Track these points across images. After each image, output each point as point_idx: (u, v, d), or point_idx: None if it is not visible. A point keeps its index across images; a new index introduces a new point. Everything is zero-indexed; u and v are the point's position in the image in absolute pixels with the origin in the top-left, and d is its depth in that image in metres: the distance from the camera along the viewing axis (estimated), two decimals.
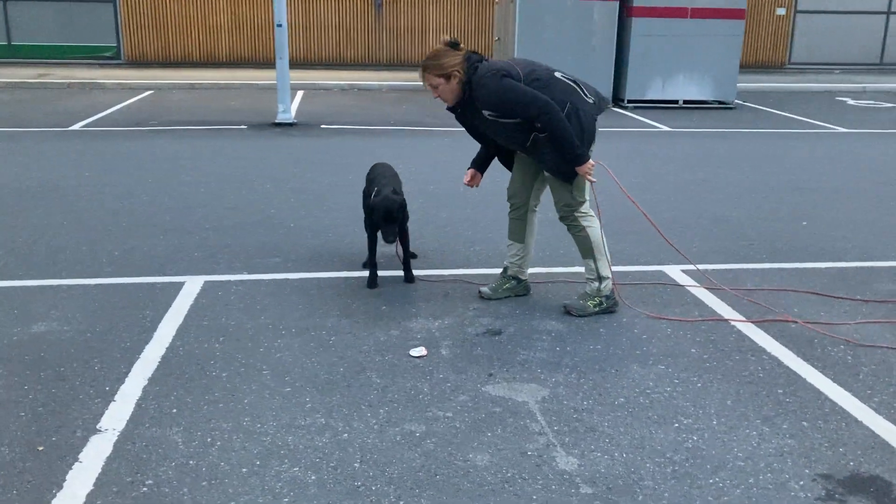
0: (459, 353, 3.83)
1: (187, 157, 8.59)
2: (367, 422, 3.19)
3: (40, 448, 2.96)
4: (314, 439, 3.06)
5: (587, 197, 4.22)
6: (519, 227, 4.46)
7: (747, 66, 19.36)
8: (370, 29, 18.56)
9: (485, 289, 4.55)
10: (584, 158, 3.97)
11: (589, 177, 4.05)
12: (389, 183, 4.73)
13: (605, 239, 4.28)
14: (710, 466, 2.89)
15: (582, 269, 4.59)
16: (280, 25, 10.66)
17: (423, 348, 3.84)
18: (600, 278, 4.25)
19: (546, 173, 4.17)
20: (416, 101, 13.83)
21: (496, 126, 4.05)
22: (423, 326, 4.13)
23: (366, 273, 4.89)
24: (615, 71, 13.22)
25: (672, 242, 5.16)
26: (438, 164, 8.41)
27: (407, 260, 4.83)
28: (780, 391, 3.47)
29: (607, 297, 4.29)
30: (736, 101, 13.92)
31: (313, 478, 2.81)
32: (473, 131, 4.29)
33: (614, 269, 4.97)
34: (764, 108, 13.40)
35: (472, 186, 4.52)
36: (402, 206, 4.54)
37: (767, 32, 19.94)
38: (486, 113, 4.00)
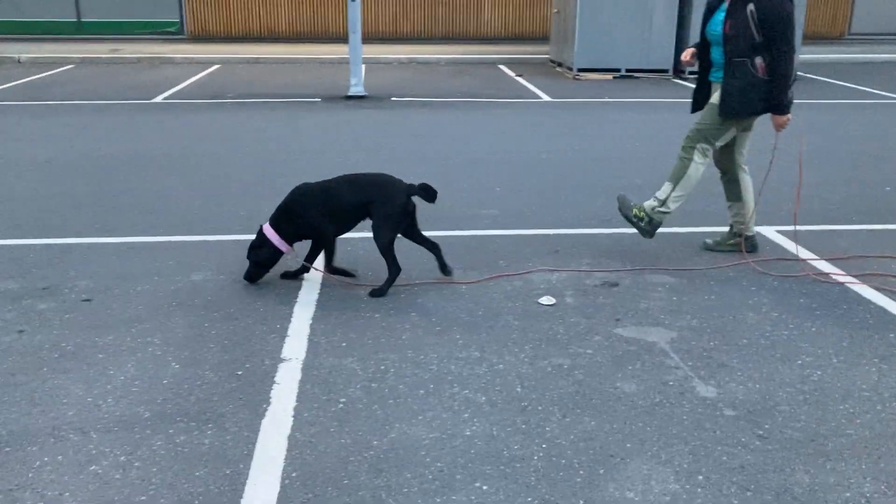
0: (584, 301, 4.19)
1: (271, 128, 9.00)
2: (517, 356, 3.57)
3: (239, 373, 3.38)
4: (474, 368, 3.44)
5: (717, 144, 4.60)
6: (732, 188, 4.86)
7: (804, 38, 19.27)
8: (426, 2, 18.81)
9: (708, 240, 4.99)
10: (787, 108, 4.42)
11: (780, 129, 4.51)
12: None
13: (752, 193, 4.80)
14: (838, 395, 3.23)
15: (704, 228, 4.92)
16: (354, 0, 10.99)
17: (551, 297, 4.21)
18: (662, 202, 4.66)
19: (711, 101, 4.57)
20: (474, 73, 14.11)
21: (740, 24, 4.35)
22: (543, 279, 4.49)
23: (504, 231, 5.27)
24: (676, 42, 13.36)
25: (795, 205, 5.45)
26: (511, 133, 8.73)
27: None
28: (892, 335, 3.78)
29: (650, 221, 4.69)
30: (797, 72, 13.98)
31: (483, 399, 3.19)
32: (711, 26, 4.56)
33: (711, 228, 5.29)
34: (828, 80, 13.47)
35: (687, 64, 4.82)
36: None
37: (826, 2, 19.80)
38: (750, 7, 4.33)
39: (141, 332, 3.76)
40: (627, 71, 13.54)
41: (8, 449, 2.81)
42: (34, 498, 2.55)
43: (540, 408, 3.13)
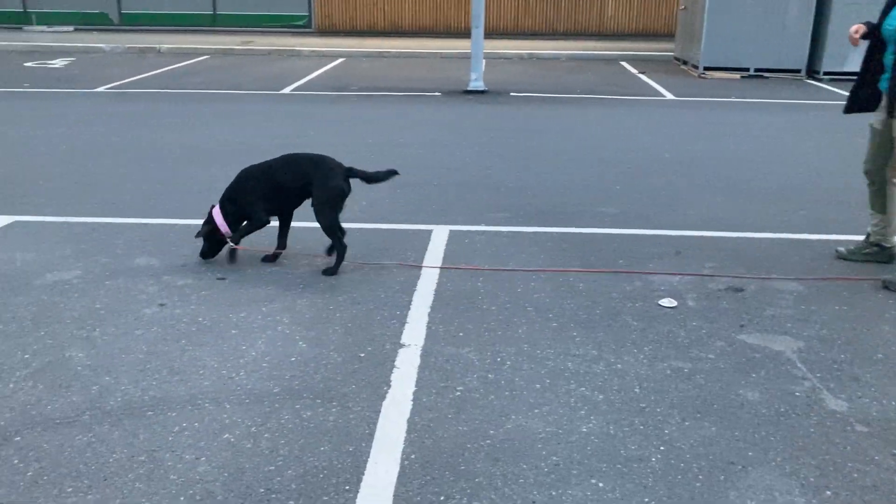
0: (706, 305, 4.08)
1: (393, 120, 9.20)
2: (636, 356, 3.53)
3: (361, 355, 3.50)
4: (591, 367, 3.43)
5: None
6: (878, 198, 4.67)
7: None
8: None
9: (841, 249, 4.82)
10: None
11: None
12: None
13: None
14: None
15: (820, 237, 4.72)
16: None
17: (672, 299, 4.13)
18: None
19: None
20: (595, 70, 13.92)
21: None
22: (665, 280, 4.41)
23: (624, 231, 5.23)
24: (811, 42, 12.75)
25: None
26: (632, 131, 8.57)
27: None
28: None
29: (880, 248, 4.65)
30: None
31: (601, 397, 3.18)
32: (890, 21, 4.36)
33: (844, 237, 5.05)
34: None
35: (853, 42, 4.48)
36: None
37: None
38: None
39: (271, 311, 3.94)
40: (756, 70, 13.02)
41: (150, 413, 3.02)
42: (174, 460, 2.74)
43: (658, 410, 3.09)
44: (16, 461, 2.71)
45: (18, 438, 2.83)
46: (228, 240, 4.53)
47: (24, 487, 2.58)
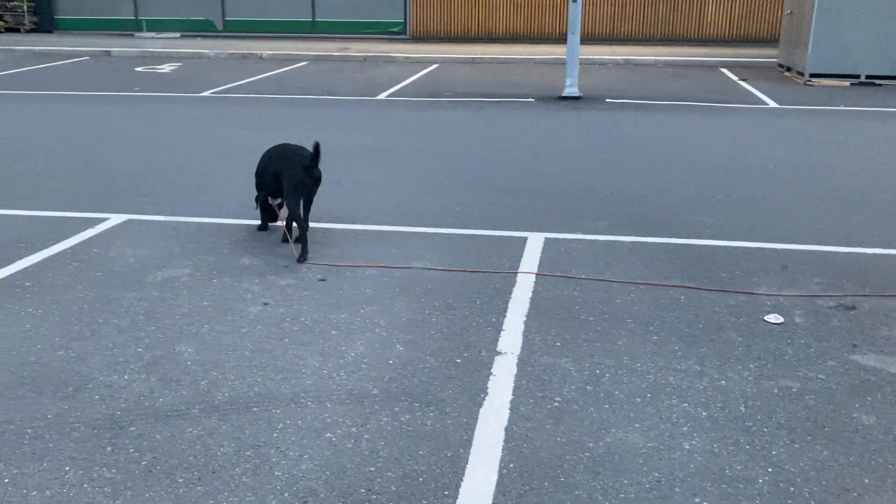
0: (815, 322, 3.92)
1: (487, 125, 9.21)
2: (741, 373, 3.41)
3: (458, 360, 3.52)
4: (694, 382, 3.34)
5: None
6: None
7: None
8: (646, 3, 18.38)
9: None
10: None
11: None
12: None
13: None
14: None
15: None
16: (575, 1, 10.97)
17: (779, 315, 3.98)
18: None
19: None
20: (693, 76, 13.58)
21: None
22: (771, 295, 4.26)
23: (726, 243, 5.10)
24: None
25: None
26: (734, 140, 8.31)
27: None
28: None
29: None
30: None
31: (704, 414, 3.09)
32: None
33: None
34: None
35: None
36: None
37: None
38: None
39: (369, 314, 4.01)
40: (868, 77, 12.43)
41: (256, 409, 3.11)
42: (278, 456, 2.81)
43: (766, 430, 2.98)
44: (131, 450, 2.83)
45: (133, 428, 2.97)
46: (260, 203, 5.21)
47: (138, 475, 2.70)
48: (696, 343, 3.70)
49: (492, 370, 3.43)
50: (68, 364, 3.45)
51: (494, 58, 15.95)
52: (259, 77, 13.59)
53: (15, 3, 20.31)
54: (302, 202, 4.87)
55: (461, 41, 18.85)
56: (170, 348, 3.62)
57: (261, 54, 16.43)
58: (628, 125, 9.26)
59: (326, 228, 5.37)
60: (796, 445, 2.88)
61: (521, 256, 4.86)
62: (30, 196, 6.10)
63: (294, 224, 4.98)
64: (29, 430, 2.94)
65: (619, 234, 5.27)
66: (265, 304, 4.14)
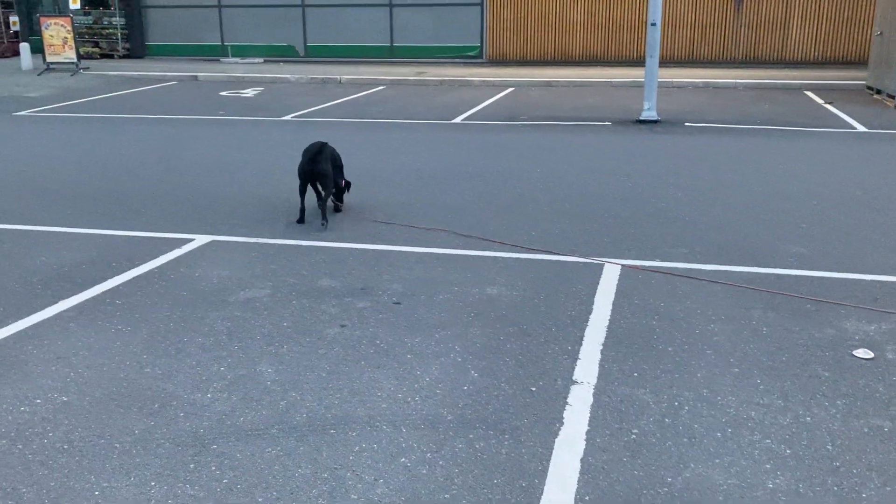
0: None
1: (563, 149, 9.18)
2: (827, 410, 3.29)
3: (533, 389, 3.50)
4: (777, 418, 3.23)
5: None
6: None
7: None
8: (727, 25, 18.06)
9: None
10: None
11: None
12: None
13: None
14: None
15: None
16: (654, 24, 10.87)
17: (868, 350, 3.82)
18: None
19: None
20: (776, 99, 13.24)
21: None
22: (859, 328, 4.09)
23: (812, 272, 4.95)
24: None
25: None
26: (819, 165, 8.05)
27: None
28: None
29: None
30: None
31: (788, 451, 2.99)
32: None
33: None
34: None
35: None
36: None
37: None
38: None
39: (444, 338, 4.03)
40: None
41: (333, 431, 3.16)
42: (354, 479, 2.85)
43: (855, 471, 2.86)
44: (213, 468, 2.91)
45: (215, 446, 3.05)
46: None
47: (220, 493, 2.77)
48: (779, 377, 3.58)
49: (567, 399, 3.40)
50: (155, 381, 3.58)
51: (571, 81, 15.91)
52: (338, 101, 13.90)
53: (110, 30, 21.36)
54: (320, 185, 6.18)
55: (537, 64, 18.88)
56: (251, 368, 3.72)
57: (340, 79, 16.81)
58: (708, 149, 9.08)
59: (401, 251, 5.44)
60: (888, 489, 2.75)
61: (598, 283, 4.81)
62: (121, 216, 6.38)
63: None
64: (118, 445, 3.06)
65: (699, 262, 5.16)
66: (342, 325, 4.21)
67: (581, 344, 3.96)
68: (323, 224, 6.03)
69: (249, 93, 15.29)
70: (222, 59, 20.59)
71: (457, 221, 6.19)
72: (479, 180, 7.63)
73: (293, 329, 4.16)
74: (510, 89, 15.40)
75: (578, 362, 3.76)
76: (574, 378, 3.59)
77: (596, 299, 4.55)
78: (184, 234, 5.84)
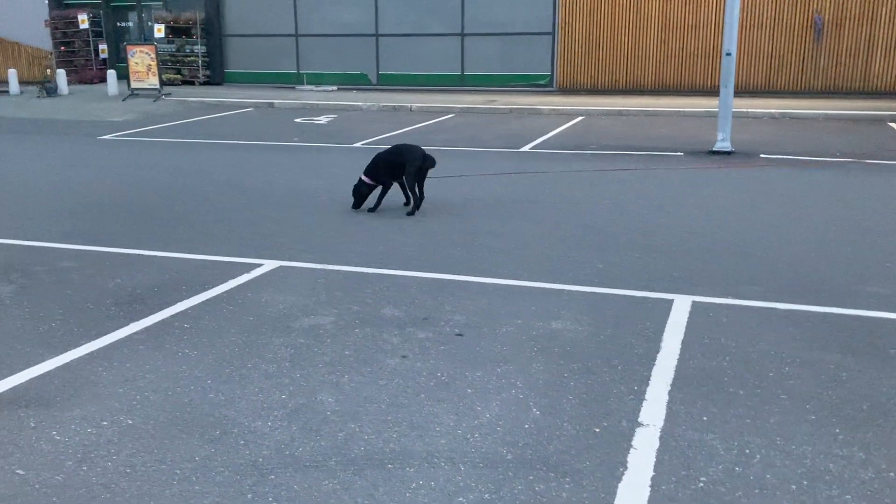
0: None
1: (632, 179, 9.03)
2: None
3: (597, 430, 3.40)
4: (858, 472, 3.05)
5: None
6: None
7: None
8: (805, 54, 17.60)
9: None
10: None
11: None
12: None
13: None
14: None
15: None
16: (729, 54, 10.66)
17: None
18: None
19: None
20: (858, 131, 12.79)
21: None
22: None
23: (861, 312, 4.71)
24: None
25: None
26: None
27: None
28: None
29: None
30: None
31: None
32: None
33: None
34: None
35: None
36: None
37: None
38: None
39: (505, 373, 3.96)
40: None
41: (390, 466, 3.12)
42: None
43: None
44: (270, 499, 2.91)
45: (273, 476, 3.05)
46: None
47: None
48: (860, 427, 3.39)
49: (632, 442, 3.28)
50: (217, 407, 3.61)
51: (642, 110, 15.72)
52: (408, 129, 14.05)
53: (191, 58, 22.16)
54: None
55: (608, 93, 18.74)
56: (311, 397, 3.72)
57: (410, 107, 17.00)
58: (784, 182, 8.80)
59: (465, 281, 5.40)
60: None
61: (667, 320, 4.67)
62: (194, 240, 6.53)
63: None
64: (178, 472, 3.08)
65: (774, 301, 4.97)
66: (403, 356, 4.18)
67: (648, 384, 3.83)
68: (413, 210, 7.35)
69: (323, 120, 15.60)
70: (297, 87, 21.10)
71: (521, 251, 6.13)
72: (543, 209, 7.55)
73: (354, 358, 4.16)
74: (580, 118, 15.31)
75: (645, 403, 3.63)
76: (640, 420, 3.47)
77: (664, 337, 4.41)
78: (253, 259, 5.94)
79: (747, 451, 3.21)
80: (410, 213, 7.33)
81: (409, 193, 7.45)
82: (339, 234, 6.73)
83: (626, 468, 3.09)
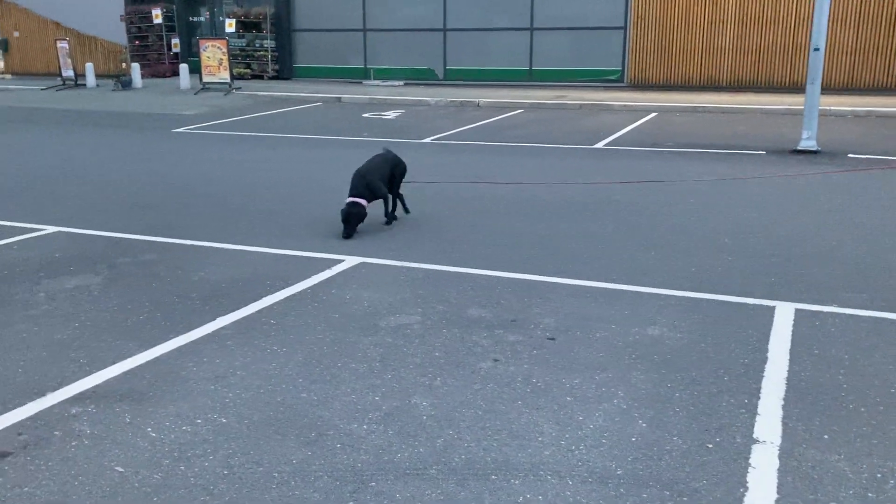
0: None
1: (715, 180, 8.70)
2: None
3: (709, 446, 3.20)
4: None
5: None
6: None
7: None
8: (891, 50, 16.85)
9: None
10: None
11: None
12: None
13: None
14: None
15: None
16: (817, 49, 10.21)
17: None
18: None
19: None
20: None
21: None
22: None
23: None
24: None
25: None
26: None
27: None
28: None
29: None
30: None
31: None
32: None
33: None
34: None
35: None
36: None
37: None
38: None
39: (604, 381, 3.78)
40: None
41: (494, 477, 2.98)
42: None
43: None
44: None
45: (374, 484, 2.94)
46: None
47: None
48: None
49: (750, 461, 3.08)
50: (311, 408, 3.53)
51: (718, 107, 15.26)
52: (476, 125, 13.90)
53: (261, 52, 22.41)
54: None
55: (681, 89, 18.26)
56: (405, 399, 3.61)
57: (478, 102, 16.84)
58: (876, 184, 8.37)
59: (552, 283, 5.23)
60: None
61: (770, 328, 4.42)
62: (273, 234, 6.50)
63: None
64: (276, 475, 3.00)
65: (884, 310, 4.67)
66: (495, 360, 4.04)
67: (759, 397, 3.61)
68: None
69: (391, 115, 15.56)
70: (364, 82, 21.15)
71: (607, 253, 5.92)
72: (624, 208, 7.32)
73: (445, 360, 4.03)
74: (653, 114, 14.93)
75: (758, 418, 3.42)
76: (755, 436, 3.26)
77: (770, 346, 4.17)
78: (334, 255, 5.87)
79: (879, 475, 2.97)
80: (388, 223, 6.74)
81: (397, 202, 7.03)
82: (419, 231, 6.62)
83: (746, 489, 2.89)
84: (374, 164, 6.73)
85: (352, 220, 6.37)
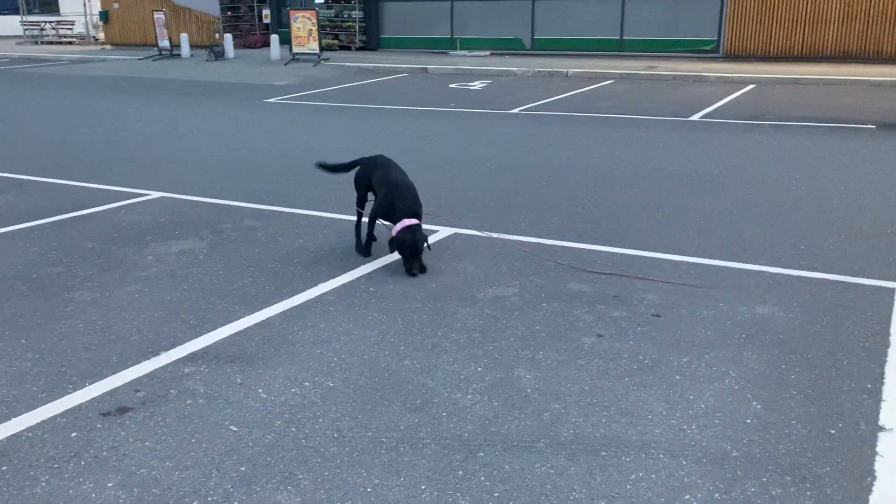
0: None
1: (821, 154, 8.30)
2: None
3: (831, 431, 3.05)
4: None
5: None
6: None
7: None
8: None
9: None
10: None
11: None
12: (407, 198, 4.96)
13: None
14: None
15: None
16: None
17: None
18: None
19: None
20: None
21: None
22: None
23: None
24: None
25: None
26: None
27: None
28: None
29: None
30: None
31: None
32: None
33: None
34: None
35: None
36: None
37: None
38: None
39: (714, 361, 3.66)
40: None
41: (604, 453, 2.92)
42: None
43: None
44: (482, 478, 2.78)
45: (482, 454, 2.92)
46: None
47: None
48: None
49: (876, 449, 2.92)
50: (414, 375, 3.53)
51: (821, 78, 14.55)
52: (565, 95, 13.65)
53: (349, 23, 22.55)
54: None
55: (781, 60, 17.49)
56: (508, 371, 3.57)
57: (567, 72, 16.54)
58: None
59: (653, 258, 5.09)
60: None
61: (892, 311, 4.19)
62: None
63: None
64: (384, 440, 3.02)
65: None
66: (599, 335, 3.96)
67: (882, 382, 3.43)
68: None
69: (477, 85, 15.44)
70: (450, 52, 21.04)
71: (709, 228, 5.73)
72: (730, 184, 7.05)
73: (547, 334, 3.97)
74: (750, 86, 14.35)
75: (883, 405, 3.24)
76: (881, 423, 3.10)
77: (892, 330, 3.95)
78: (427, 225, 5.86)
79: None
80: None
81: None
82: (511, 202, 6.55)
83: (874, 478, 2.75)
84: (401, 172, 5.23)
85: (420, 250, 4.83)
